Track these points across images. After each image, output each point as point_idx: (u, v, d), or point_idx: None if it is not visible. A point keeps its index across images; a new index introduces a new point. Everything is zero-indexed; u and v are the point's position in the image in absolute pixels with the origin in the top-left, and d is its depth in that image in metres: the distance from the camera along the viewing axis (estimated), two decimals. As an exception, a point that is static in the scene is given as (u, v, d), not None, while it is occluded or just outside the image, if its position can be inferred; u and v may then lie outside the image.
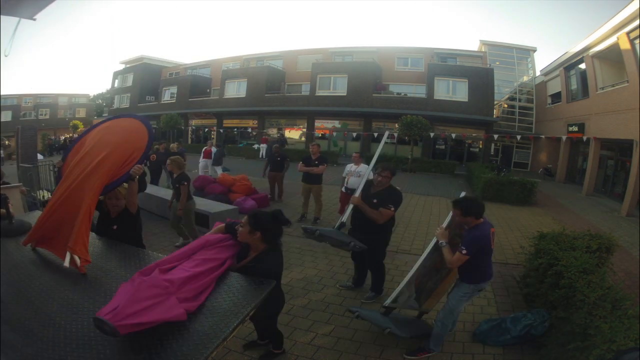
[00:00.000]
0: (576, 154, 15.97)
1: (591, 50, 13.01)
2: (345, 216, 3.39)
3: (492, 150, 20.02)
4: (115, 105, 31.55)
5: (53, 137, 26.46)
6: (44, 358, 1.33)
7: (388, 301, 2.78)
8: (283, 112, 22.00)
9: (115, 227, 2.56)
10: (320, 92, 20.58)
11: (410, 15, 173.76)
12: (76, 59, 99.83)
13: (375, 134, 18.82)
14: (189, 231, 4.82)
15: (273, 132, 22.72)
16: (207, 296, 1.73)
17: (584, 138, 13.24)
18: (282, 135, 21.49)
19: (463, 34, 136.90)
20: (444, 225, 2.83)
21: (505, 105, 21.28)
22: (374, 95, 19.66)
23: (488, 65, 19.32)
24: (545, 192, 11.98)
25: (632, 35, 10.35)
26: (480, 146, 19.89)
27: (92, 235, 2.39)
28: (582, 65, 14.30)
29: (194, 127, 26.75)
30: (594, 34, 12.64)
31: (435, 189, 11.29)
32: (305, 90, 21.92)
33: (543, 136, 17.81)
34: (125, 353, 1.39)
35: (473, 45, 44.66)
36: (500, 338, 2.93)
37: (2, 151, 15.44)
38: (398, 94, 20.69)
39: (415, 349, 2.76)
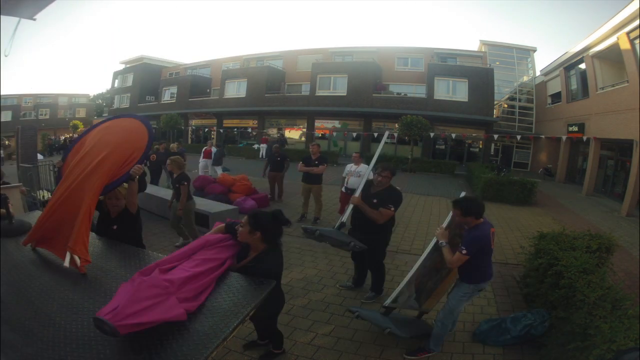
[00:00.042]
0: (576, 154, 15.97)
1: (591, 50, 13.01)
2: (345, 216, 3.39)
3: (492, 150, 20.02)
4: (115, 105, 31.55)
5: (53, 137, 26.47)
6: (44, 358, 1.33)
7: (388, 301, 2.78)
8: (283, 112, 22.00)
9: (115, 227, 2.56)
10: (320, 92, 20.58)
11: (410, 15, 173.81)
12: (76, 59, 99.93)
13: (375, 134, 18.81)
14: (189, 231, 4.82)
15: (273, 132, 22.73)
16: (207, 296, 1.73)
17: (584, 138, 13.24)
18: (283, 135, 21.50)
19: (463, 34, 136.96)
20: (444, 225, 2.83)
21: (505, 105, 21.28)
22: (374, 95, 19.66)
23: (488, 65, 19.32)
24: (545, 192, 11.98)
25: (632, 35, 10.35)
26: (480, 146, 19.88)
27: (92, 235, 2.39)
28: (582, 65, 14.30)
29: (194, 127, 26.76)
30: (594, 34, 12.64)
31: (435, 189, 11.29)
32: (305, 90, 21.92)
33: (543, 136, 17.81)
34: (125, 353, 1.39)
35: (473, 45, 44.70)
36: (500, 338, 2.93)
37: (2, 151, 15.43)
38: (398, 94, 20.69)
39: (416, 349, 2.76)
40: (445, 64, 19.92)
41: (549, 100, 18.46)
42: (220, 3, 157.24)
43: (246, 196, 7.24)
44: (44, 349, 1.37)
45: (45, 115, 37.71)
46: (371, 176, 3.86)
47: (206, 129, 25.92)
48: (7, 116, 34.47)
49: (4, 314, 1.53)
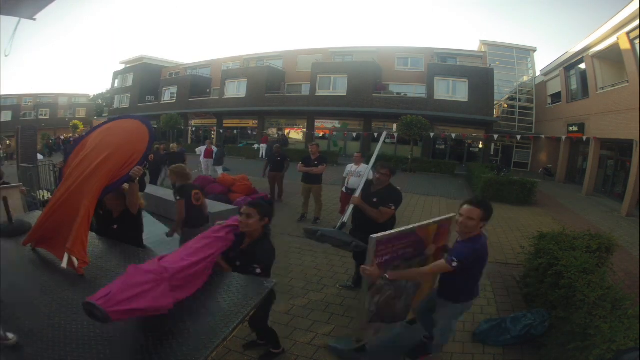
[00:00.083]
0: (576, 154, 15.97)
1: (591, 50, 13.01)
2: (346, 216, 3.38)
3: (492, 150, 20.01)
4: (115, 105, 31.55)
5: (53, 138, 26.47)
6: (44, 358, 1.33)
7: (353, 345, 2.59)
8: (283, 112, 22.01)
9: (115, 226, 2.56)
10: (320, 92, 20.57)
11: (410, 15, 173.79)
12: (76, 59, 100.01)
13: (375, 134, 18.80)
14: None
15: (273, 132, 22.73)
16: (200, 288, 1.75)
17: (584, 138, 13.23)
18: (284, 135, 21.51)
19: (463, 34, 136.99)
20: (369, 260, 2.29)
21: (505, 105, 21.27)
22: (374, 95, 19.65)
23: (488, 65, 19.31)
24: (545, 192, 11.97)
25: (632, 35, 10.35)
26: (480, 146, 19.88)
27: (92, 235, 2.40)
28: (582, 65, 14.30)
29: (194, 127, 26.75)
30: (594, 34, 12.64)
31: (435, 189, 11.28)
32: (305, 90, 21.91)
33: (543, 136, 17.81)
34: (125, 353, 1.39)
35: (473, 45, 44.69)
36: (500, 338, 2.92)
37: (1, 151, 15.44)
38: (398, 94, 20.68)
39: (416, 352, 2.74)
40: (445, 64, 19.92)
41: (549, 100, 18.45)
42: (220, 3, 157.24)
43: (246, 196, 7.24)
44: (44, 349, 1.37)
45: (45, 115, 37.74)
46: (371, 176, 3.86)
47: (206, 129, 25.92)
48: (7, 116, 34.49)
49: (4, 313, 1.53)
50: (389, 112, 18.65)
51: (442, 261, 2.25)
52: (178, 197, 3.55)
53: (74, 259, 1.93)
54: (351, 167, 5.88)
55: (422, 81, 19.73)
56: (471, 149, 20.69)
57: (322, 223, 6.13)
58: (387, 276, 2.30)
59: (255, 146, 19.85)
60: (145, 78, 28.96)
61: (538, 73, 20.40)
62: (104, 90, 45.25)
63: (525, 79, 21.03)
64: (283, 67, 23.86)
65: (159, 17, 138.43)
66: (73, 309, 1.63)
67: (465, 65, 19.55)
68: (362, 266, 2.28)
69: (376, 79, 20.39)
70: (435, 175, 15.30)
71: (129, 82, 30.10)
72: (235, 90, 23.34)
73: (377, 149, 4.39)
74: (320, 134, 21.36)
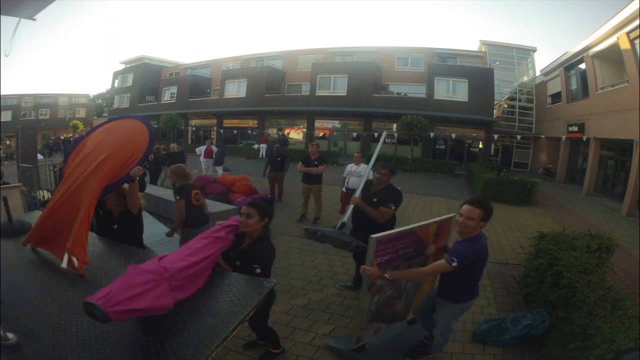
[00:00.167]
0: (576, 154, 15.97)
1: (591, 50, 13.01)
2: (346, 216, 3.37)
3: (492, 150, 20.01)
4: (115, 105, 31.55)
5: (53, 138, 26.49)
6: (44, 358, 1.33)
7: (352, 346, 2.58)
8: (283, 112, 22.01)
9: (115, 226, 2.56)
10: (320, 92, 20.58)
11: (410, 15, 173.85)
12: (76, 59, 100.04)
13: (375, 134, 18.80)
14: None
15: (273, 132, 22.74)
16: (200, 288, 1.76)
17: (584, 138, 13.23)
18: (284, 135, 21.50)
19: (463, 34, 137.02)
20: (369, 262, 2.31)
21: (505, 105, 21.28)
22: (374, 95, 19.65)
23: (488, 65, 19.31)
24: (545, 192, 11.98)
25: (632, 35, 10.35)
26: (480, 146, 19.88)
27: (92, 235, 2.40)
28: (582, 65, 14.30)
29: (193, 127, 26.75)
30: (594, 34, 12.64)
31: (435, 189, 11.28)
32: (305, 90, 21.91)
33: (543, 136, 17.81)
34: (125, 353, 1.39)
35: (473, 45, 44.67)
36: (500, 338, 2.92)
37: (1, 151, 15.44)
38: (398, 94, 20.68)
39: (416, 352, 2.74)
40: (445, 64, 19.92)
41: (549, 100, 18.45)
42: (220, 3, 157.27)
43: (246, 196, 7.24)
44: (44, 349, 1.37)
45: (45, 115, 37.75)
46: (371, 176, 3.86)
47: (206, 129, 25.92)
48: (7, 116, 34.49)
49: (4, 313, 1.53)
50: (389, 112, 18.65)
51: (442, 261, 2.26)
52: (178, 197, 3.53)
53: (74, 259, 1.93)
54: (351, 167, 5.88)
55: (422, 81, 19.74)
56: (471, 149, 20.69)
57: (322, 223, 6.13)
58: (387, 276, 2.29)
59: (255, 146, 19.85)
60: (145, 78, 28.97)
61: (538, 73, 20.42)
62: (104, 90, 45.30)
63: (525, 79, 21.03)
64: (283, 67, 23.86)
65: (159, 17, 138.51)
66: (73, 309, 1.63)
67: (465, 65, 19.55)
68: (362, 266, 2.29)
69: (376, 79, 20.39)
70: (435, 175, 15.30)
71: (129, 82, 30.10)
72: (235, 90, 23.34)
73: (377, 149, 4.39)
74: (320, 134, 21.36)
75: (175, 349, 1.39)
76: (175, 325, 1.52)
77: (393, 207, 3.32)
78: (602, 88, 12.43)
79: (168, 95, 27.58)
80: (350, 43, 62.81)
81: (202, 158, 10.79)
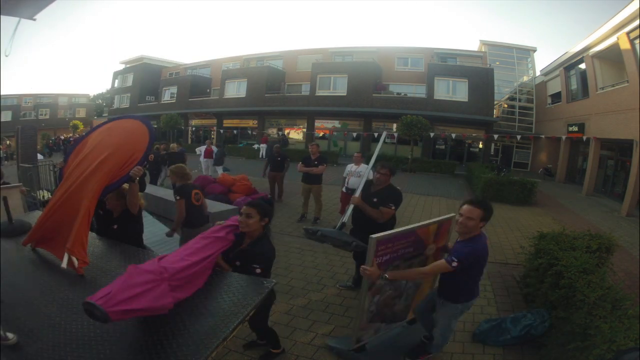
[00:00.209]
0: (576, 154, 15.97)
1: (591, 50, 13.01)
2: (346, 216, 3.36)
3: (492, 150, 20.01)
4: (115, 105, 31.55)
5: (53, 138, 26.49)
6: (44, 358, 1.33)
7: (353, 345, 2.58)
8: (283, 112, 22.01)
9: (115, 226, 2.56)
10: (320, 92, 20.57)
11: (410, 15, 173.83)
12: (76, 59, 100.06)
13: (375, 134, 18.80)
14: None
15: (273, 132, 22.74)
16: (200, 288, 1.76)
17: (584, 138, 13.23)
18: (284, 135, 21.50)
19: (463, 34, 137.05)
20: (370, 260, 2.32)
21: (505, 105, 21.28)
22: (374, 95, 19.65)
23: (488, 65, 19.31)
24: (545, 192, 11.98)
25: (632, 35, 10.35)
26: (480, 146, 19.88)
27: (92, 235, 2.40)
28: (582, 65, 14.30)
29: (193, 127, 26.75)
30: (594, 34, 12.64)
31: (435, 189, 11.27)
32: (305, 90, 21.91)
33: (543, 136, 17.80)
34: (125, 353, 1.39)
35: (473, 45, 44.69)
36: (500, 338, 2.92)
37: (1, 151, 15.44)
38: (398, 94, 20.68)
39: (416, 352, 2.74)
40: (445, 64, 19.92)
41: (549, 100, 18.45)
42: (220, 3, 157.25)
43: (246, 196, 7.24)
44: (44, 349, 1.37)
45: (45, 115, 37.74)
46: (371, 176, 3.86)
47: (206, 129, 25.92)
48: (7, 116, 34.50)
49: (4, 313, 1.53)
50: (389, 112, 18.65)
51: (442, 261, 2.27)
52: (178, 197, 3.52)
53: (74, 259, 1.93)
54: (351, 167, 5.87)
55: (422, 81, 19.74)
56: (471, 149, 20.69)
57: (322, 223, 6.13)
58: (387, 276, 2.28)
59: (255, 146, 19.86)
60: (145, 78, 28.96)
61: (538, 73, 20.41)
62: (104, 90, 45.28)
63: (525, 79, 21.03)
64: (283, 67, 23.86)
65: (159, 17, 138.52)
66: (73, 309, 1.63)
67: (465, 65, 19.55)
68: (362, 266, 2.29)
69: (376, 79, 20.39)
70: (435, 175, 15.30)
71: (129, 82, 30.10)
72: (235, 90, 23.34)
73: (377, 149, 4.38)
74: (320, 134, 21.36)
75: (175, 349, 1.39)
76: (175, 325, 1.52)
77: (393, 207, 3.32)
78: (602, 88, 12.42)
79: (168, 95, 27.58)
80: (350, 43, 62.94)
81: (202, 158, 10.79)
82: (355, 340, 2.55)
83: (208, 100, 24.85)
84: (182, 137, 25.36)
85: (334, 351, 2.72)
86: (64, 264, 1.93)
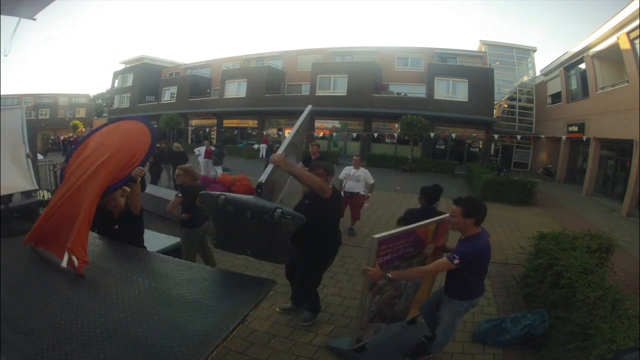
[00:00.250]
0: (576, 154, 15.96)
1: (591, 50, 13.01)
2: (265, 175, 2.42)
3: (492, 150, 20.01)
4: (115, 105, 31.54)
5: (53, 138, 26.48)
6: (44, 358, 1.33)
7: (352, 345, 2.54)
8: (283, 112, 22.00)
9: (116, 226, 2.56)
10: (320, 92, 20.57)
11: (410, 15, 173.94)
12: (76, 59, 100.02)
13: (376, 134, 18.82)
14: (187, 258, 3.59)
15: (273, 132, 22.73)
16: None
17: (584, 138, 13.23)
18: (284, 135, 21.49)
19: (463, 34, 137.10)
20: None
21: (505, 105, 21.27)
22: (374, 95, 19.65)
23: (488, 65, 19.31)
24: (545, 192, 11.97)
25: (632, 35, 10.34)
26: (480, 146, 19.88)
27: (93, 235, 2.39)
28: (582, 65, 14.29)
29: (193, 127, 26.75)
30: (594, 34, 12.64)
31: (435, 189, 11.22)
32: (305, 90, 21.92)
33: (543, 136, 17.80)
34: (125, 353, 1.39)
35: (473, 45, 44.69)
36: (500, 338, 2.92)
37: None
38: (398, 94, 20.68)
39: (416, 352, 2.74)
40: (445, 64, 19.92)
41: (549, 100, 18.45)
42: (220, 3, 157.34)
43: (246, 196, 7.23)
44: (44, 349, 1.37)
45: (45, 115, 37.70)
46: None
47: (207, 129, 25.91)
48: (7, 116, 34.38)
49: (4, 314, 1.53)
50: (389, 112, 18.65)
51: (444, 259, 2.29)
52: (180, 195, 3.60)
53: (74, 259, 1.93)
54: (349, 170, 5.75)
55: (422, 81, 19.73)
56: (471, 149, 20.68)
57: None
58: (389, 276, 2.28)
59: (255, 146, 19.85)
60: (145, 78, 28.95)
61: (538, 73, 20.41)
62: (104, 90, 45.25)
63: (525, 79, 21.02)
64: (283, 67, 23.86)
65: (159, 17, 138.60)
66: (73, 308, 1.63)
67: (465, 65, 19.55)
68: (364, 267, 2.28)
69: (376, 79, 20.39)
70: (435, 175, 15.29)
71: (129, 82, 30.08)
72: (235, 90, 23.34)
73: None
74: (320, 134, 21.35)
75: (175, 349, 1.39)
76: (176, 324, 1.52)
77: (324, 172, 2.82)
78: (602, 88, 12.42)
79: (168, 95, 27.57)
80: (350, 43, 62.94)
81: (202, 158, 10.79)
82: (355, 340, 2.55)
83: (208, 100, 24.85)
84: (182, 137, 25.35)
85: (334, 351, 2.72)
86: (64, 263, 1.94)
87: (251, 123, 23.65)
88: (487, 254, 2.33)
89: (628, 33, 10.46)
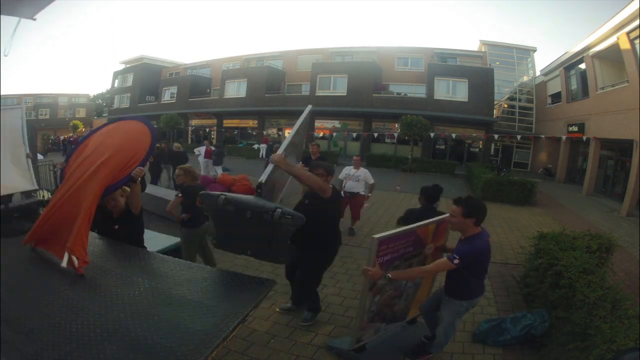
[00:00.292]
0: (576, 154, 15.96)
1: (591, 50, 13.01)
2: (265, 175, 2.43)
3: (492, 150, 20.01)
4: (115, 105, 31.54)
5: (52, 138, 26.47)
6: (44, 358, 1.33)
7: (352, 345, 2.53)
8: (283, 112, 21.99)
9: (116, 226, 2.56)
10: (320, 92, 20.57)
11: (410, 15, 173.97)
12: (76, 59, 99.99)
13: (376, 134, 18.81)
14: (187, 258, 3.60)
15: (273, 132, 22.73)
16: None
17: (584, 138, 13.23)
18: (284, 135, 21.49)
19: (463, 34, 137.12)
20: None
21: (505, 105, 21.27)
22: (374, 95, 19.65)
23: (488, 65, 19.31)
24: (545, 192, 11.97)
25: (632, 35, 10.34)
26: (480, 146, 19.88)
27: (93, 235, 2.40)
28: (582, 65, 14.29)
29: (193, 127, 26.75)
30: (594, 34, 12.64)
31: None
32: (305, 90, 21.92)
33: (543, 136, 17.80)
34: (125, 353, 1.39)
35: (473, 45, 44.68)
36: (500, 338, 2.92)
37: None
38: (398, 94, 20.68)
39: (416, 352, 2.74)
40: (445, 64, 19.92)
41: (549, 100, 18.45)
42: (220, 3, 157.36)
43: (246, 196, 7.23)
44: (44, 349, 1.37)
45: (45, 115, 37.70)
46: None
47: (207, 129, 25.91)
48: (7, 116, 34.36)
49: (4, 314, 1.53)
50: (389, 112, 18.65)
51: (444, 259, 2.30)
52: (180, 195, 3.59)
53: (74, 259, 1.93)
54: (349, 170, 5.74)
55: (422, 81, 19.73)
56: (471, 149, 20.68)
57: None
58: (389, 276, 2.28)
59: (255, 146, 19.84)
60: (145, 78, 28.94)
61: (538, 73, 20.41)
62: (104, 90, 45.24)
63: (525, 79, 21.03)
64: (283, 67, 23.86)
65: (159, 17, 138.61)
66: (73, 308, 1.63)
67: (465, 65, 19.55)
68: (364, 267, 2.28)
69: (376, 79, 20.39)
70: (435, 175, 15.28)
71: (129, 82, 30.08)
72: (235, 90, 23.34)
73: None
74: (320, 134, 21.35)
75: (175, 349, 1.39)
76: (176, 324, 1.52)
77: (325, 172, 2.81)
78: (602, 88, 12.42)
79: (168, 95, 27.57)
80: (350, 43, 62.94)
81: (202, 158, 10.79)
82: (355, 340, 2.55)
83: (208, 100, 24.84)
84: (182, 137, 25.35)
85: (334, 351, 2.72)
86: (64, 263, 1.94)
87: (251, 123, 23.65)
88: (487, 254, 2.33)
89: (628, 33, 10.46)
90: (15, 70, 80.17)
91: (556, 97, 17.45)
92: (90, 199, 2.11)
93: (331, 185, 2.83)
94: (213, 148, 10.79)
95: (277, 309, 3.29)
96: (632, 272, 4.72)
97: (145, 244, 2.70)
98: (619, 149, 12.16)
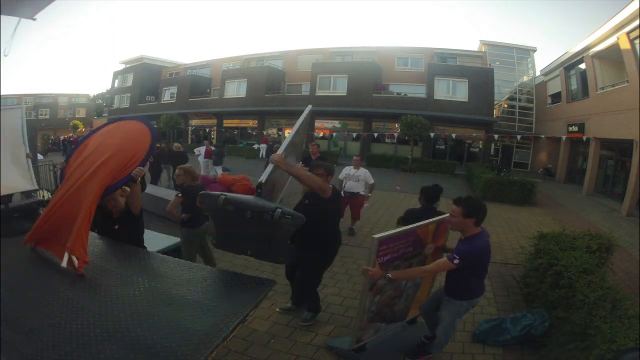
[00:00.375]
0: (576, 154, 15.96)
1: (591, 50, 13.01)
2: (265, 175, 2.43)
3: (492, 150, 20.01)
4: (115, 105, 31.54)
5: (52, 138, 26.47)
6: (44, 358, 1.33)
7: (352, 345, 2.53)
8: (283, 112, 21.99)
9: (116, 226, 2.56)
10: (320, 92, 20.57)
11: (410, 15, 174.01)
12: (76, 59, 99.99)
13: (376, 134, 18.81)
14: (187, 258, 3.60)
15: (273, 132, 22.72)
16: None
17: (584, 138, 13.23)
18: (284, 135, 21.49)
19: (463, 34, 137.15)
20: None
21: (505, 105, 21.27)
22: (374, 95, 19.65)
23: (488, 65, 19.31)
24: (545, 192, 11.97)
25: (632, 35, 10.34)
26: (480, 146, 19.88)
27: (93, 235, 2.40)
28: (582, 65, 14.29)
29: (193, 127, 26.74)
30: (594, 34, 12.64)
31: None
32: (305, 90, 21.92)
33: (543, 136, 17.80)
34: (125, 353, 1.39)
35: (473, 45, 44.68)
36: (500, 338, 2.92)
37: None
38: (398, 94, 20.69)
39: (416, 352, 2.74)
40: (445, 64, 19.92)
41: (549, 100, 18.45)
42: (220, 3, 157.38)
43: (246, 196, 7.22)
44: (44, 349, 1.37)
45: (45, 115, 37.70)
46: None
47: (207, 129, 25.92)
48: (7, 116, 34.35)
49: (4, 314, 1.53)
50: (389, 112, 18.65)
51: (444, 259, 2.30)
52: (180, 195, 3.59)
53: (74, 259, 1.93)
54: (349, 170, 5.74)
55: (422, 81, 19.73)
56: (471, 149, 20.68)
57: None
58: (389, 276, 2.28)
59: (255, 146, 19.84)
60: (145, 78, 28.94)
61: (538, 73, 20.41)
62: (104, 90, 45.24)
63: (525, 79, 21.03)
64: (283, 67, 23.86)
65: (159, 17, 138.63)
66: (73, 308, 1.63)
67: (465, 65, 19.55)
68: (364, 267, 2.28)
69: (376, 79, 20.39)
70: (435, 175, 15.28)
71: (129, 82, 30.08)
72: (235, 90, 23.34)
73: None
74: (320, 134, 21.35)
75: (175, 349, 1.39)
76: (176, 324, 1.52)
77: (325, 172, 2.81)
78: (602, 88, 12.42)
79: (168, 95, 27.57)
80: (350, 43, 62.96)
81: (202, 158, 10.79)
82: (355, 340, 2.55)
83: (208, 100, 24.85)
84: (182, 137, 25.35)
85: (334, 351, 2.72)
86: (64, 263, 1.94)
87: (251, 123, 23.64)
88: (487, 254, 2.34)
89: (628, 33, 10.46)
90: (15, 70, 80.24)
91: (556, 97, 17.45)
92: (90, 199, 2.11)
93: (331, 185, 2.84)
94: (213, 148, 10.79)
95: (277, 309, 3.29)
96: (632, 272, 4.72)
97: (145, 244, 2.71)
98: (619, 149, 12.16)
